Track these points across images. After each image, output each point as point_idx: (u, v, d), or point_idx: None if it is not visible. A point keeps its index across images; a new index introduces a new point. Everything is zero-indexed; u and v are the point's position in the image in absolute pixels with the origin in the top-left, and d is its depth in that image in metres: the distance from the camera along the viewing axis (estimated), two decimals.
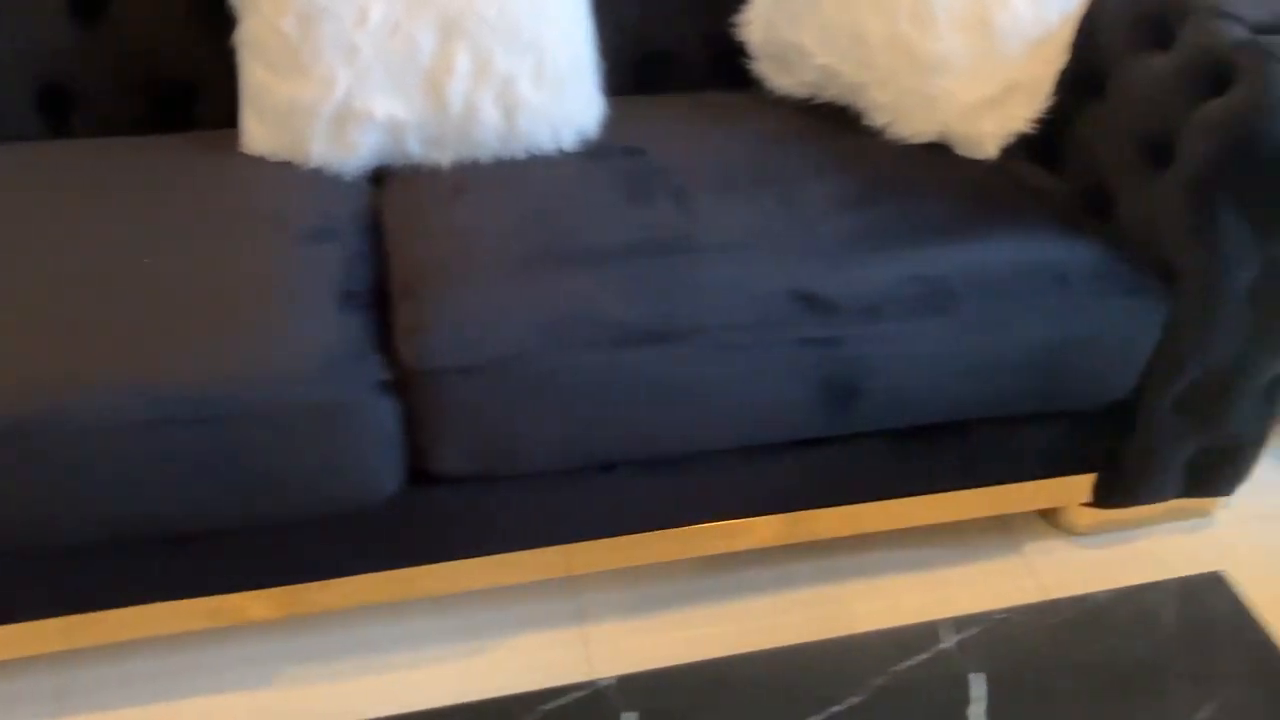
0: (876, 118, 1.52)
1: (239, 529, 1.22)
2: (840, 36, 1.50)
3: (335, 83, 1.36)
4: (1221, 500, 1.66)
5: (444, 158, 1.44)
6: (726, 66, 1.64)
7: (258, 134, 1.42)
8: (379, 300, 1.26)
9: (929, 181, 1.44)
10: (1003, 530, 1.62)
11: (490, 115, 1.40)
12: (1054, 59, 1.45)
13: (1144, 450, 1.50)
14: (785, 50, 1.56)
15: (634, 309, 1.22)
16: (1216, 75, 1.30)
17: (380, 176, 1.45)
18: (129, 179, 1.37)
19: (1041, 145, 1.53)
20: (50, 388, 1.09)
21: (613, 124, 1.52)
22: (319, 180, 1.41)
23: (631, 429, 1.25)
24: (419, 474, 1.24)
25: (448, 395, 1.18)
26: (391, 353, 1.19)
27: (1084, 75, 1.47)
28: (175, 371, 1.11)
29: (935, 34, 1.43)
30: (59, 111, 1.50)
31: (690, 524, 1.43)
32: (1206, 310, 1.36)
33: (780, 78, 1.60)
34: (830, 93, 1.56)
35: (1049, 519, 1.64)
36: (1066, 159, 1.51)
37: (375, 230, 1.37)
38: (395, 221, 1.36)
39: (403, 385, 1.18)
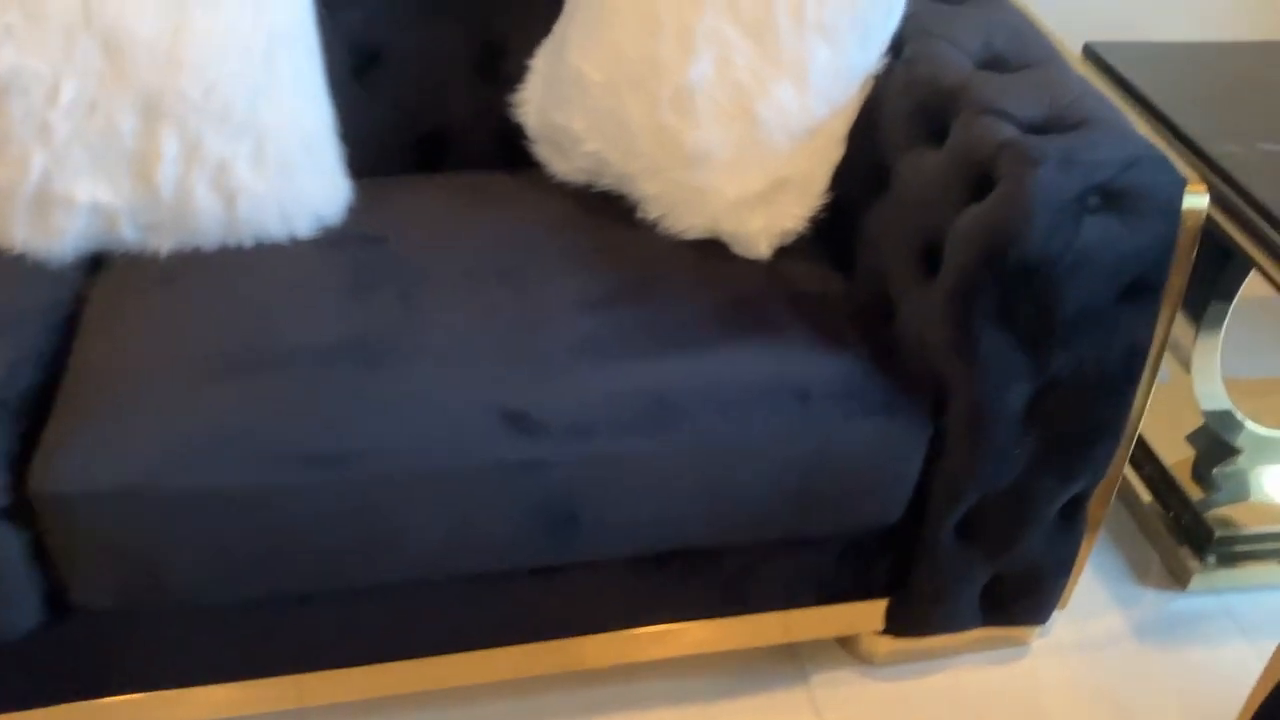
0: (650, 209, 1.41)
1: None
2: (608, 123, 1.39)
3: (30, 164, 1.25)
4: (1038, 629, 1.53)
5: (164, 244, 1.32)
6: (508, 146, 1.53)
7: None
8: (38, 410, 1.14)
9: (688, 283, 1.32)
10: (790, 658, 1.48)
11: (207, 201, 1.29)
12: (826, 153, 1.34)
13: (932, 577, 1.37)
14: (558, 134, 1.45)
15: (305, 427, 1.09)
16: (979, 178, 1.19)
17: (98, 263, 1.34)
18: None
19: (833, 242, 1.42)
20: None
21: (364, 208, 1.41)
22: (21, 268, 1.29)
23: (305, 561, 1.12)
24: (62, 606, 1.11)
25: (79, 522, 1.05)
26: (22, 473, 1.07)
27: (868, 169, 1.36)
28: None
29: (695, 123, 1.32)
30: None
31: (423, 655, 1.30)
32: (976, 432, 1.24)
33: (558, 162, 1.48)
34: (606, 181, 1.45)
35: (846, 646, 1.51)
36: (856, 259, 1.39)
37: (69, 326, 1.25)
38: (91, 316, 1.25)
39: (25, 511, 1.05)
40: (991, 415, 1.23)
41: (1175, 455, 1.73)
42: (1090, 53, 1.62)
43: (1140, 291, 1.19)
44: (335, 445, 1.09)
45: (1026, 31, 1.37)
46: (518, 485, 1.13)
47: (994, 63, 1.31)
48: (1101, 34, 1.87)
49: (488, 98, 1.53)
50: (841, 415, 1.19)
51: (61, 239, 1.29)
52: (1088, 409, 1.25)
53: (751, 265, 1.36)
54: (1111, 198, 1.14)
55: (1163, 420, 1.77)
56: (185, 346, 1.18)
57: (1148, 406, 1.34)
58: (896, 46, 1.35)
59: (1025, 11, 1.42)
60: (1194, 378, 1.62)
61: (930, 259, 1.26)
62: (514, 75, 1.51)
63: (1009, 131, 1.18)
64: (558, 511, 1.16)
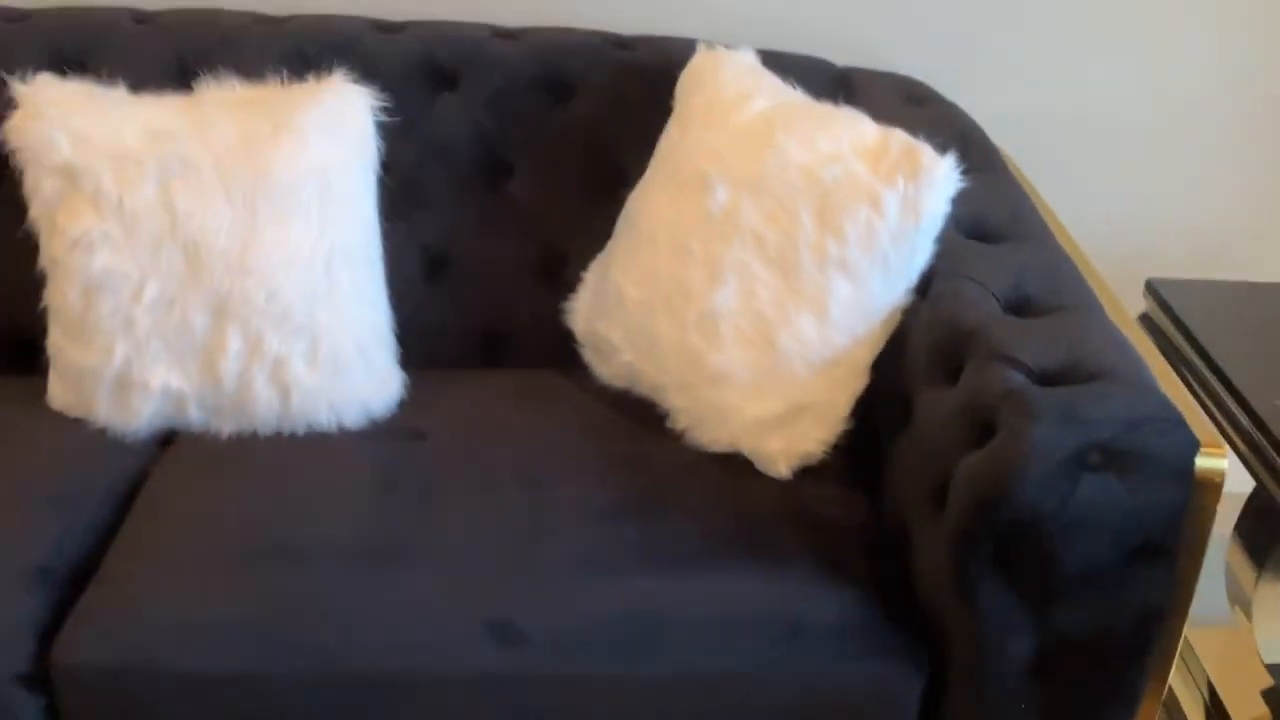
0: (678, 421, 1.45)
1: None
2: (641, 337, 1.45)
3: (114, 352, 1.39)
4: None
5: (224, 427, 1.44)
6: (563, 347, 1.61)
7: (58, 391, 1.46)
8: (82, 578, 1.25)
9: (704, 498, 1.34)
10: None
11: (264, 392, 1.41)
12: (848, 382, 1.36)
13: None
14: (600, 342, 1.52)
15: (303, 623, 1.16)
16: (983, 424, 1.18)
17: (170, 438, 1.47)
18: None
19: (863, 467, 1.42)
20: None
21: (414, 402, 1.50)
22: (102, 442, 1.43)
23: None
24: None
25: (87, 697, 1.13)
26: (48, 641, 1.16)
27: (893, 399, 1.37)
28: None
29: (719, 345, 1.37)
30: None
31: None
32: (978, 682, 1.20)
33: (600, 367, 1.55)
34: (640, 389, 1.51)
35: None
36: (882, 485, 1.39)
37: (130, 498, 1.37)
38: (148, 492, 1.36)
39: (44, 679, 1.14)
40: (993, 666, 1.19)
41: (1248, 712, 1.61)
42: (1152, 289, 1.60)
43: (1152, 554, 1.15)
44: (333, 641, 1.15)
45: (1063, 273, 1.37)
46: (494, 696, 1.16)
47: (1020, 306, 1.32)
48: (1173, 269, 1.84)
49: (548, 301, 1.62)
50: (831, 655, 1.18)
51: (137, 417, 1.43)
52: (1101, 669, 1.20)
53: (773, 484, 1.38)
54: (1114, 457, 1.12)
55: (1237, 670, 1.66)
56: (219, 533, 1.27)
57: (1219, 653, 1.27)
58: (925, 282, 1.37)
59: (1070, 250, 1.42)
60: (1256, 628, 1.52)
61: (940, 497, 1.25)
62: (571, 283, 1.60)
63: (1016, 381, 1.18)
64: None
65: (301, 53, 1.55)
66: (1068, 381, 1.18)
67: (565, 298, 1.60)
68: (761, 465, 1.39)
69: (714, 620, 1.19)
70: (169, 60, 1.56)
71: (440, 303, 1.62)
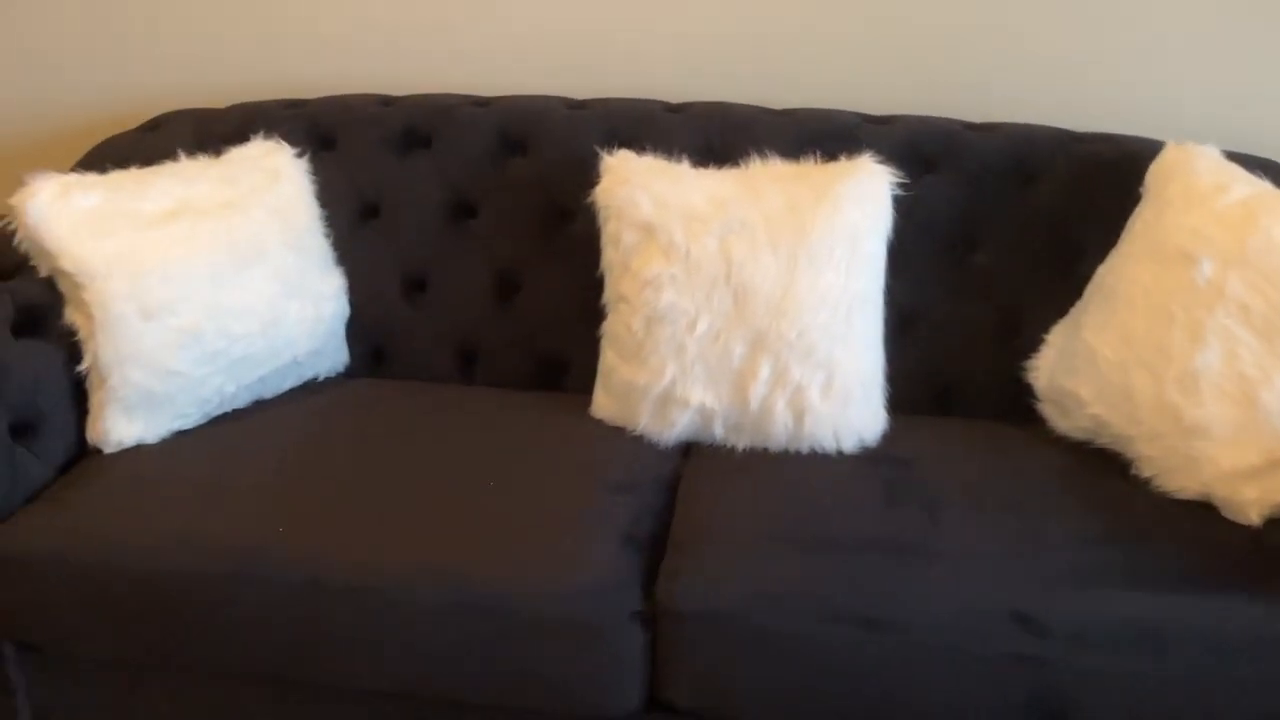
0: (1143, 469, 1.62)
1: (491, 710, 1.49)
2: (1113, 392, 1.64)
3: (665, 373, 1.71)
4: None
5: (740, 442, 1.72)
6: (1015, 402, 1.82)
7: (603, 403, 1.80)
8: (655, 547, 1.54)
9: (1178, 535, 1.51)
10: None
11: (782, 415, 1.68)
12: None
13: None
14: (1064, 397, 1.72)
15: (852, 595, 1.40)
16: None
17: (689, 450, 1.76)
18: (501, 419, 1.79)
19: None
20: (391, 567, 1.46)
21: (893, 436, 1.74)
22: (640, 446, 1.74)
23: (836, 703, 1.40)
24: (654, 701, 1.47)
25: (684, 635, 1.41)
26: (650, 591, 1.45)
27: None
28: (475, 571, 1.44)
29: (1199, 401, 1.54)
30: (469, 365, 1.98)
31: None
32: None
33: (1059, 420, 1.75)
34: (1103, 440, 1.69)
35: None
36: None
37: (671, 491, 1.66)
38: (687, 487, 1.65)
39: (652, 619, 1.43)
40: None
41: None
42: None
43: None
44: (875, 615, 1.38)
45: None
46: (1017, 676, 1.36)
47: None
48: None
49: (1003, 362, 1.83)
50: None
51: (672, 429, 1.74)
52: None
53: (1240, 530, 1.52)
54: None
55: None
56: (759, 520, 1.54)
57: None
58: None
59: None
60: None
61: None
62: (1026, 346, 1.81)
63: None
64: (1045, 707, 1.37)
65: (810, 137, 1.86)
66: None
67: (1020, 359, 1.81)
68: (1230, 513, 1.54)
69: (1213, 637, 1.35)
70: (699, 143, 1.90)
71: (904, 355, 1.86)
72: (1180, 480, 1.58)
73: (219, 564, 1.48)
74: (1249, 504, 1.52)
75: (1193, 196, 1.63)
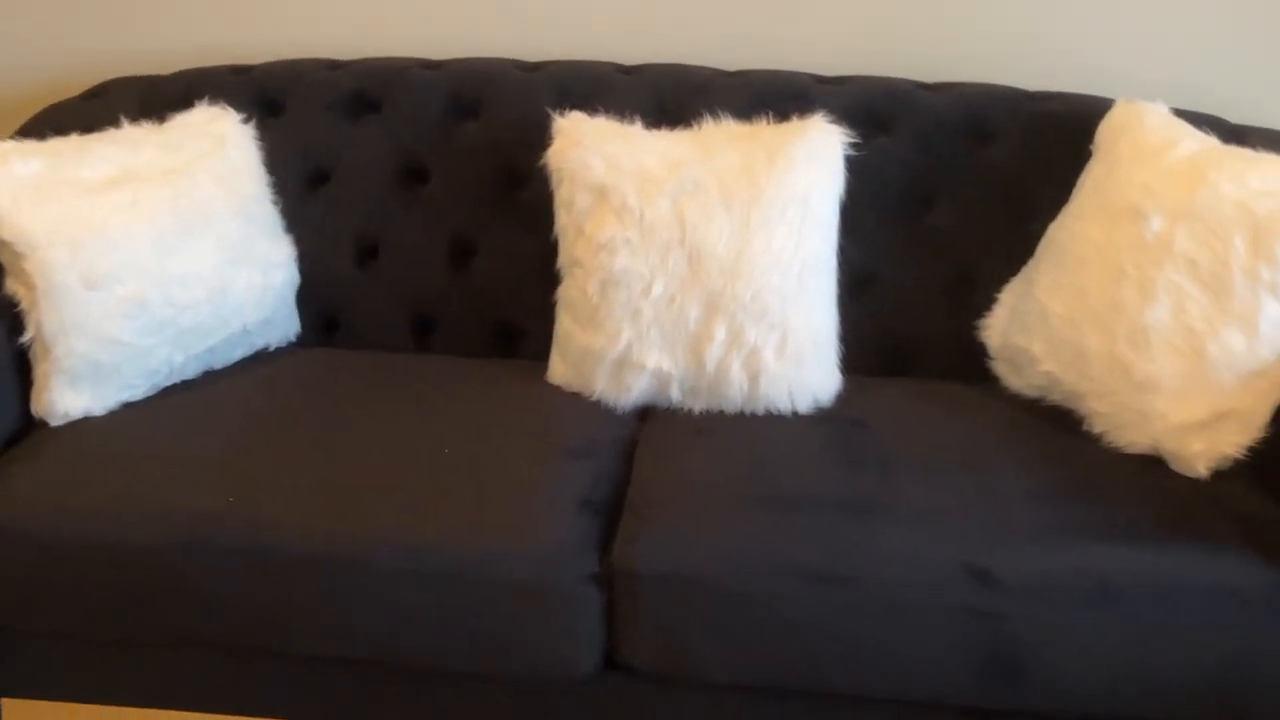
0: (1095, 425, 1.64)
1: (451, 675, 1.50)
2: (1065, 349, 1.66)
3: (620, 337, 1.70)
4: None
5: (697, 405, 1.72)
6: (968, 361, 1.83)
7: (559, 369, 1.79)
8: (613, 511, 1.54)
9: (1129, 489, 1.53)
10: None
11: (737, 377, 1.68)
12: (1269, 393, 1.52)
13: None
14: (1016, 355, 1.74)
15: (809, 552, 1.41)
16: None
17: (646, 413, 1.76)
18: (456, 388, 1.78)
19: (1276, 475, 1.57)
20: (346, 535, 1.45)
21: (847, 397, 1.75)
22: (597, 411, 1.74)
23: (795, 659, 1.41)
24: (612, 663, 1.47)
25: (642, 596, 1.41)
26: (606, 554, 1.45)
27: None
28: (431, 538, 1.43)
29: (1149, 356, 1.56)
30: (424, 334, 1.96)
31: None
32: None
33: (1012, 378, 1.76)
34: (1055, 397, 1.70)
35: None
36: None
37: (628, 455, 1.66)
38: (644, 451, 1.65)
39: (607, 581, 1.43)
40: None
41: None
42: None
43: None
44: (832, 570, 1.39)
45: None
46: (972, 629, 1.38)
47: None
48: None
49: (956, 321, 1.84)
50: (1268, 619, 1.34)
51: (628, 394, 1.73)
52: None
53: (1188, 482, 1.55)
54: None
55: None
56: (717, 482, 1.55)
57: None
58: None
59: None
60: None
61: None
62: (980, 305, 1.82)
63: None
64: (1002, 660, 1.39)
65: (763, 98, 1.85)
66: None
67: (973, 317, 1.82)
68: (1179, 466, 1.56)
69: (1165, 585, 1.37)
70: (652, 105, 1.89)
71: (858, 315, 1.87)
72: (1130, 435, 1.60)
73: (172, 535, 1.46)
74: (1196, 456, 1.55)
75: (1142, 153, 1.64)
